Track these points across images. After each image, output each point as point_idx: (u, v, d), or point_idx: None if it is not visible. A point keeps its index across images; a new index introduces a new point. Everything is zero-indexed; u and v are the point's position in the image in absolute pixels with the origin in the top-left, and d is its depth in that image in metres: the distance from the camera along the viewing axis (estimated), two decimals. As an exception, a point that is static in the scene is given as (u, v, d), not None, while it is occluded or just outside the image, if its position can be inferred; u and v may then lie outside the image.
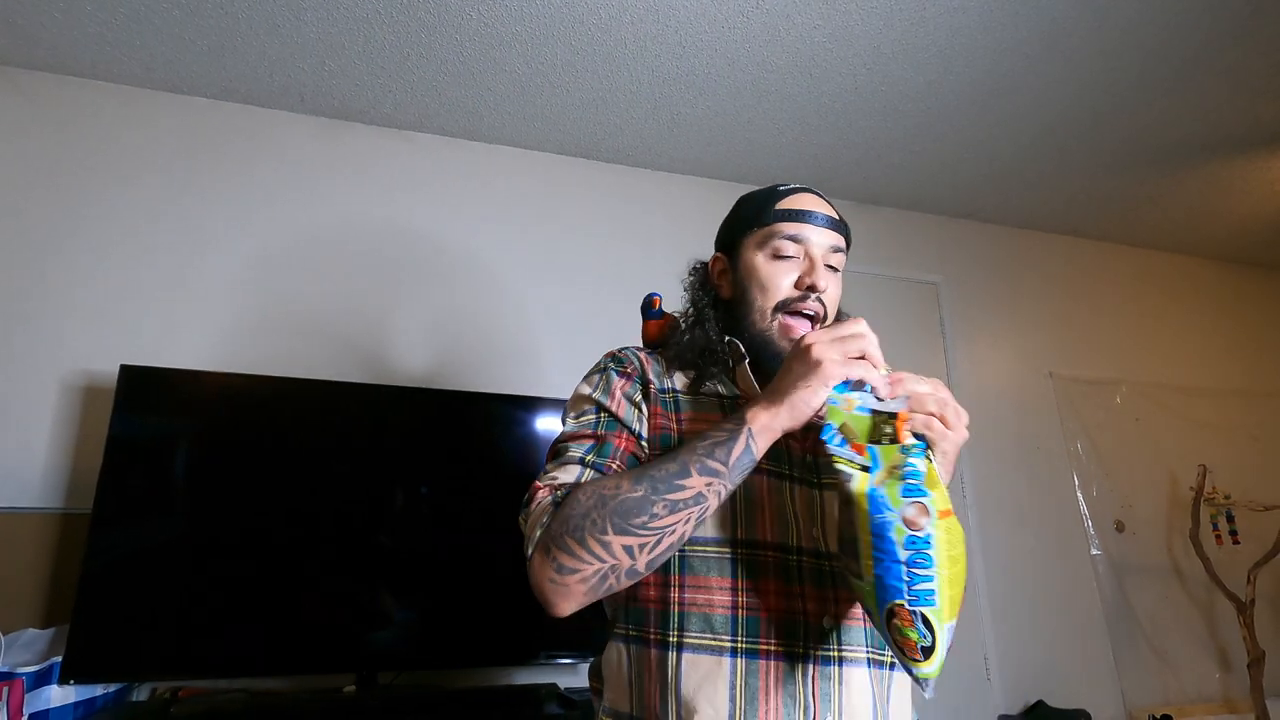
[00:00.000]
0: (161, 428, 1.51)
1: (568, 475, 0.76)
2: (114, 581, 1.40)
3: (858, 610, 0.76)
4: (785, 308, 0.84)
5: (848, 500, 0.64)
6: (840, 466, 0.65)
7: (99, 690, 1.43)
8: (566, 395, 1.90)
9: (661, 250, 2.28)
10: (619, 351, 0.90)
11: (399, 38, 1.75)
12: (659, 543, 0.69)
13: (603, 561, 0.67)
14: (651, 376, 0.86)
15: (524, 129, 2.14)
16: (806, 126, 2.13)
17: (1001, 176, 2.44)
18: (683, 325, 0.92)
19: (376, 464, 1.63)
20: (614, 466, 0.77)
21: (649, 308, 1.24)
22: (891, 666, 0.78)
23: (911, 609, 0.59)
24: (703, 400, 0.85)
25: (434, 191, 2.12)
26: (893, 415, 0.64)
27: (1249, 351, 3.00)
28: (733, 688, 0.70)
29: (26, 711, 1.29)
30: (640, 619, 0.77)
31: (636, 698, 0.75)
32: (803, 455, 0.82)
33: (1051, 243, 2.86)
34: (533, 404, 1.79)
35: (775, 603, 0.74)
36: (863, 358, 0.68)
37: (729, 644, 0.72)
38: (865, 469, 0.63)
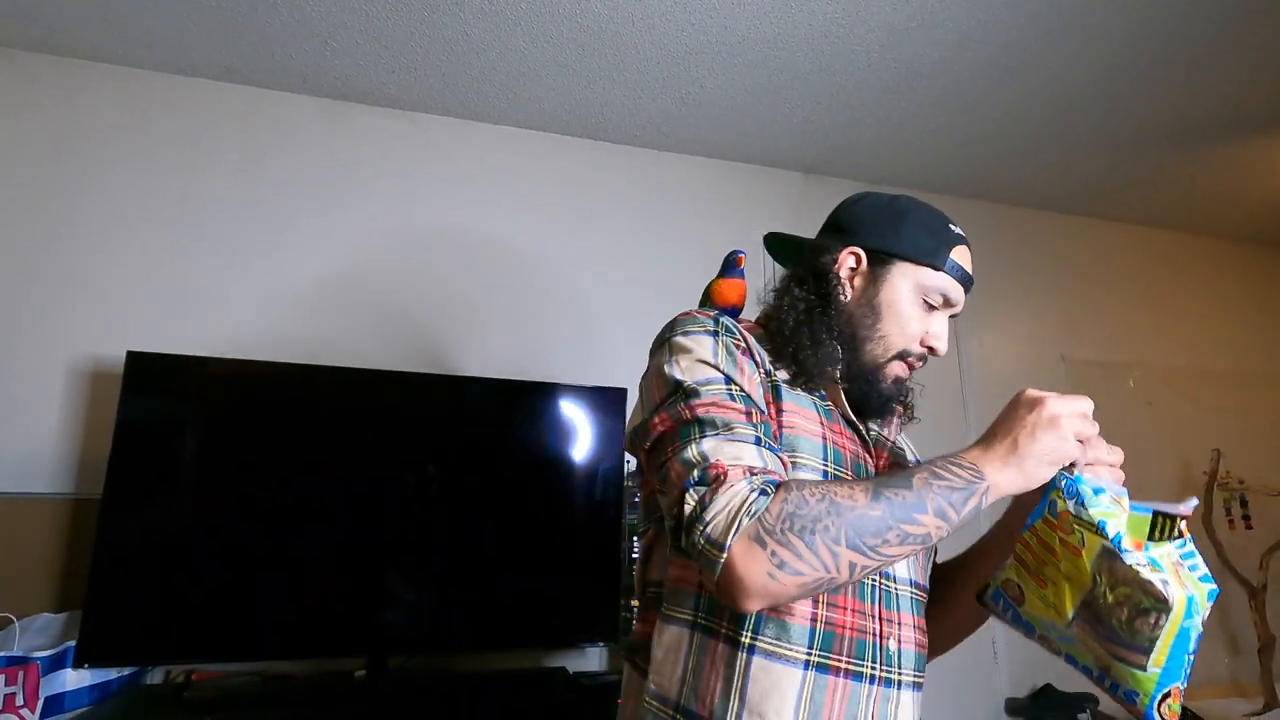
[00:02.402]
0: (169, 413, 1.51)
1: (751, 456, 0.68)
2: (126, 566, 1.41)
3: (911, 634, 0.78)
4: (904, 356, 0.83)
5: (1158, 607, 0.64)
6: (1148, 575, 0.65)
7: (113, 674, 1.44)
8: (572, 379, 1.90)
9: (670, 232, 2.26)
10: (719, 316, 0.80)
11: (402, 16, 1.71)
12: (872, 572, 0.67)
13: (826, 571, 0.63)
14: (757, 356, 0.80)
15: (530, 109, 2.11)
16: (818, 105, 2.09)
17: (1016, 156, 2.38)
18: (786, 308, 0.84)
19: (386, 448, 1.63)
20: (783, 458, 0.72)
21: (732, 265, 1.13)
22: (921, 687, 0.79)
23: (1181, 687, 0.66)
24: (800, 395, 0.81)
25: (438, 173, 2.09)
26: (1181, 517, 0.68)
27: (1266, 334, 2.95)
28: (799, 700, 0.69)
29: (42, 695, 1.30)
30: (714, 609, 0.73)
31: (691, 688, 0.72)
32: (877, 472, 0.83)
33: (1066, 224, 2.81)
34: (542, 389, 1.78)
35: (851, 620, 0.73)
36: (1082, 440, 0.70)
37: (804, 655, 0.71)
38: (1174, 569, 0.66)
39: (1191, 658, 0.66)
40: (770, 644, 0.71)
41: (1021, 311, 2.65)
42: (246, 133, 1.95)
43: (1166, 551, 0.67)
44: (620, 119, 2.16)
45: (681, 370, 0.74)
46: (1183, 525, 0.68)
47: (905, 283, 0.82)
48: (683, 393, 0.73)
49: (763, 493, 0.65)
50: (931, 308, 0.83)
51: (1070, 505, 0.69)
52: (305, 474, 1.57)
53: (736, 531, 0.63)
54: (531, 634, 1.67)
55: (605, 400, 1.79)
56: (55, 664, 1.34)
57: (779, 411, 0.77)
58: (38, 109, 1.80)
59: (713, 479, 0.66)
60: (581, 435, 1.76)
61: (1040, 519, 0.71)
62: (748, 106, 2.10)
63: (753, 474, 0.66)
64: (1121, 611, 0.66)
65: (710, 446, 0.68)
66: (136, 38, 1.78)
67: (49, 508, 1.59)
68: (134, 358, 1.49)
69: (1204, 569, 0.67)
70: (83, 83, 1.85)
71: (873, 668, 0.73)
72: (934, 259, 0.82)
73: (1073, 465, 0.70)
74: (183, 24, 1.73)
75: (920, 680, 0.79)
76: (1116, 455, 0.73)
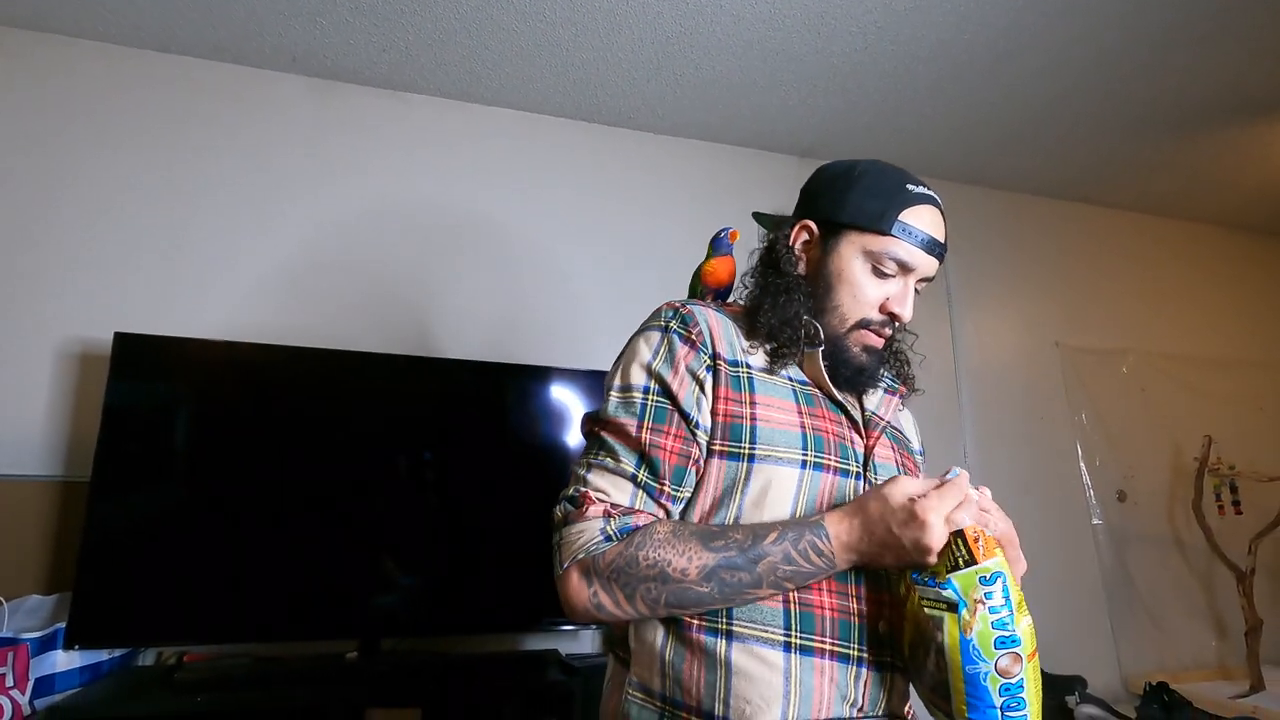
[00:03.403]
0: (158, 395, 1.50)
1: (620, 494, 0.74)
2: (116, 548, 1.40)
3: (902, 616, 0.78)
4: (865, 325, 0.81)
5: (938, 648, 0.63)
6: (929, 611, 0.65)
7: (104, 655, 1.44)
8: (567, 364, 1.89)
9: (665, 216, 2.24)
10: (682, 307, 0.81)
11: (392, -7, 1.69)
12: (690, 615, 0.73)
13: (639, 617, 0.72)
14: (722, 347, 0.79)
15: (523, 90, 2.08)
16: (814, 88, 2.07)
17: (1014, 140, 2.37)
18: (751, 286, 0.85)
19: (376, 430, 1.62)
20: (666, 491, 0.74)
21: (721, 242, 1.10)
22: None
23: None
24: (777, 384, 0.80)
25: (430, 154, 2.07)
26: (959, 533, 0.64)
27: (1260, 321, 2.96)
28: (787, 683, 0.69)
29: (32, 676, 1.30)
30: None
31: (674, 679, 0.73)
32: (866, 452, 0.81)
33: (1062, 210, 2.80)
34: (534, 372, 1.78)
35: (829, 600, 0.72)
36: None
37: (782, 638, 0.70)
38: (952, 608, 0.63)
39: (1007, 714, 0.59)
40: (746, 628, 0.71)
41: (1016, 297, 2.65)
42: (235, 112, 1.92)
43: (969, 582, 0.62)
44: (614, 100, 2.13)
45: (617, 375, 0.80)
46: (978, 548, 0.63)
47: (852, 250, 0.80)
48: (606, 402, 0.79)
49: (607, 538, 0.71)
50: (885, 275, 0.80)
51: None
52: (295, 456, 1.56)
53: (570, 561, 0.72)
54: (524, 616, 1.67)
55: (597, 384, 1.78)
56: (45, 645, 1.34)
57: (751, 404, 0.76)
58: (21, 87, 1.77)
59: (579, 504, 0.74)
60: (574, 418, 1.76)
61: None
62: (743, 89, 2.08)
63: (609, 515, 0.72)
64: (919, 649, 0.66)
65: (593, 474, 0.76)
66: (122, 14, 1.75)
67: (38, 490, 1.58)
68: (122, 339, 1.48)
69: (1010, 631, 0.61)
70: (67, 60, 1.81)
71: (860, 650, 0.72)
72: (879, 224, 0.78)
73: None
74: (170, 1, 1.70)
75: None
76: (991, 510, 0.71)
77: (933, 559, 0.65)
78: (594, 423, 0.79)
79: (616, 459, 0.75)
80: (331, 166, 1.97)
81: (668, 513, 0.75)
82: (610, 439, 0.76)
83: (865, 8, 1.73)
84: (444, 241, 2.02)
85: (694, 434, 0.76)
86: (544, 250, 2.11)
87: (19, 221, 1.71)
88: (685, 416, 0.75)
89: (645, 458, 0.74)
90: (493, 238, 2.07)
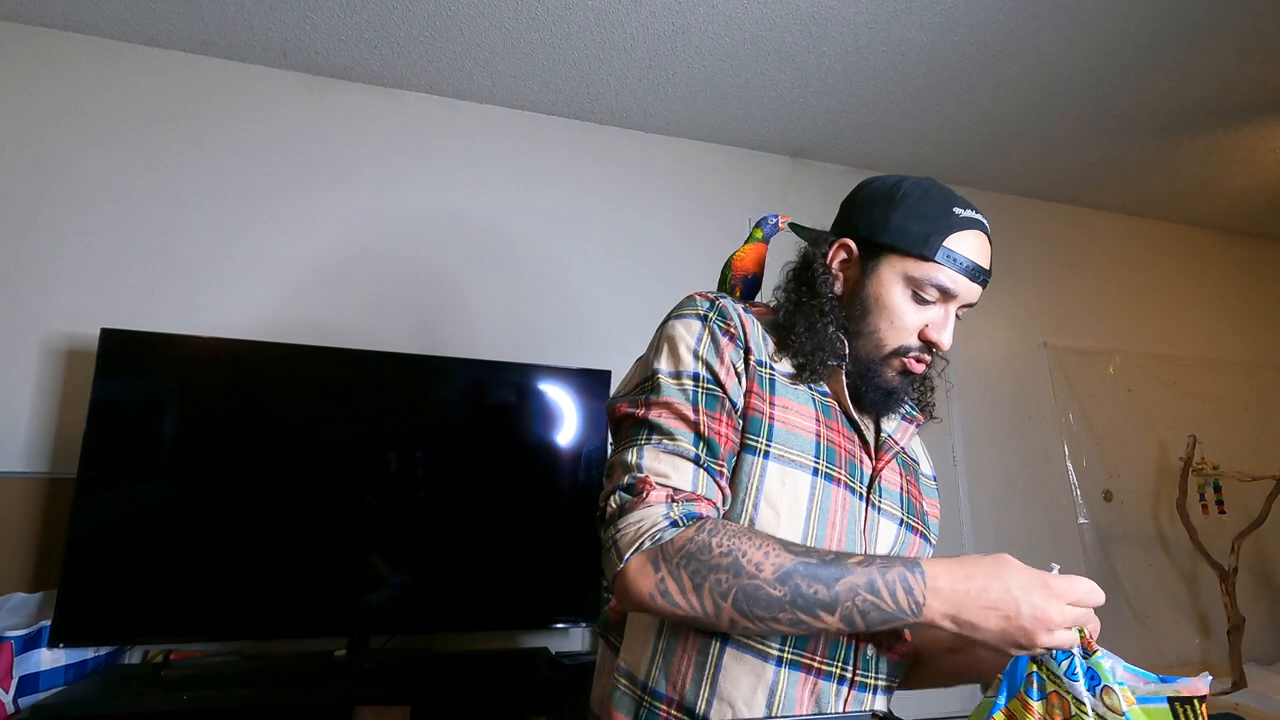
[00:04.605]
0: (145, 392, 1.49)
1: (680, 476, 0.69)
2: (102, 546, 1.39)
3: (893, 641, 0.78)
4: (903, 353, 0.78)
5: None
6: None
7: (89, 653, 1.43)
8: (558, 361, 1.88)
9: (657, 215, 2.25)
10: (717, 299, 0.79)
11: (384, -11, 1.68)
12: (753, 630, 0.67)
13: (705, 615, 0.64)
14: (752, 344, 0.77)
15: (515, 88, 2.08)
16: (806, 89, 2.08)
17: (1003, 142, 2.39)
18: (784, 300, 0.83)
19: (367, 428, 1.62)
20: (724, 473, 0.72)
21: (772, 227, 1.08)
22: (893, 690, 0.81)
23: None
24: (799, 390, 0.78)
25: (422, 152, 2.06)
26: (1199, 698, 0.62)
27: (1244, 322, 2.99)
28: (772, 695, 0.70)
29: (16, 674, 1.29)
30: None
31: (662, 670, 0.73)
32: (872, 475, 0.80)
33: (1050, 211, 2.83)
34: (526, 371, 1.78)
35: None
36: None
37: (776, 652, 0.71)
38: None
39: None
40: (743, 637, 0.71)
41: (1005, 297, 2.66)
42: (225, 108, 1.91)
43: None
44: (606, 99, 2.13)
45: (661, 358, 0.75)
46: (1202, 708, 0.61)
47: (893, 275, 0.77)
48: (649, 386, 0.74)
49: (673, 524, 0.67)
50: (926, 301, 0.76)
51: (1076, 691, 0.63)
52: (283, 453, 1.55)
53: (637, 549, 0.66)
54: (514, 614, 1.67)
55: (590, 382, 1.79)
56: (30, 644, 1.33)
57: (772, 404, 0.75)
58: (8, 80, 1.75)
59: (637, 491, 0.69)
60: (566, 417, 1.76)
61: (1013, 699, 0.65)
62: (735, 89, 2.08)
63: (673, 500, 0.68)
64: None
65: (648, 458, 0.70)
66: (110, 8, 1.73)
67: (23, 486, 1.57)
68: (108, 335, 1.46)
69: None
70: (55, 54, 1.80)
71: (844, 669, 0.73)
72: (922, 249, 0.74)
73: (1086, 645, 0.66)
74: (158, -6, 1.69)
75: (893, 685, 0.79)
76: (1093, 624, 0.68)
77: (1047, 640, 0.62)
78: (638, 405, 0.74)
79: (674, 439, 0.71)
80: (322, 162, 1.97)
81: (724, 497, 0.72)
82: (663, 420, 0.72)
83: (856, 8, 1.74)
84: (435, 238, 2.02)
85: (737, 425, 0.74)
86: (537, 247, 2.10)
87: (5, 216, 1.69)
88: (734, 405, 0.74)
89: (703, 439, 0.71)
90: (484, 235, 2.06)
